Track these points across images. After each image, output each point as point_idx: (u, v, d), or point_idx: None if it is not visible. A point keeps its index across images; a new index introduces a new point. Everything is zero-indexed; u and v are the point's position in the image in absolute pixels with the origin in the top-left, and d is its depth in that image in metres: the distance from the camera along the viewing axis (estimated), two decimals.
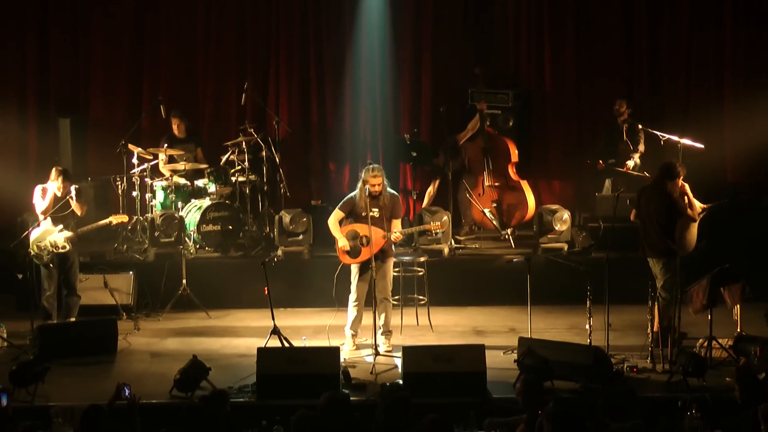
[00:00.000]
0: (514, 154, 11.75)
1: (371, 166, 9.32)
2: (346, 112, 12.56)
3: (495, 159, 11.70)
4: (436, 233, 10.14)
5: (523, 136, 12.17)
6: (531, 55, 12.50)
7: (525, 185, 11.75)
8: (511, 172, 11.74)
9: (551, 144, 12.54)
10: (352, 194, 9.33)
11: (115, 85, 12.61)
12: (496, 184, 11.67)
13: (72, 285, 10.01)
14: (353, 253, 9.28)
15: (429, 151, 11.99)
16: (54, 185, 9.72)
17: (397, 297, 9.95)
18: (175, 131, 11.90)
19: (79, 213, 9.85)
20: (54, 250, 9.80)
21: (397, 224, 9.31)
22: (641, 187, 9.54)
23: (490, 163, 11.67)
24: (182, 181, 11.58)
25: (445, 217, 10.20)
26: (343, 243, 9.25)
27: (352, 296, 9.39)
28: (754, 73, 12.24)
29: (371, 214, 9.19)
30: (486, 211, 11.33)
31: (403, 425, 6.50)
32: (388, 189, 9.30)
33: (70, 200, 9.70)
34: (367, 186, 9.13)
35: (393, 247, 9.51)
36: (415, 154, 11.81)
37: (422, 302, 10.27)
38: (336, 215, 9.33)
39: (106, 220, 10.13)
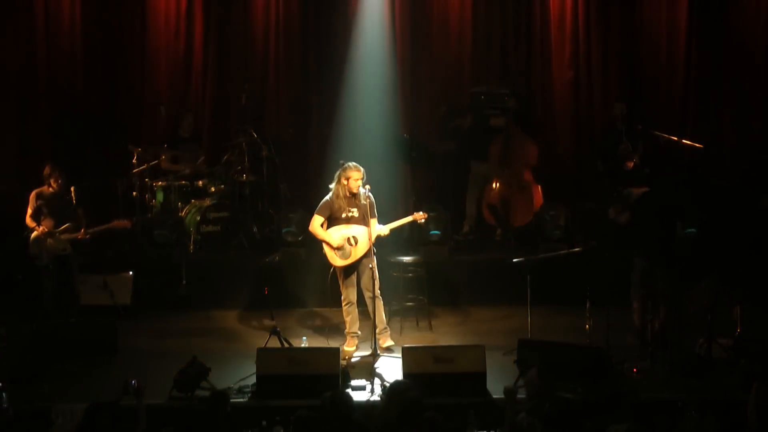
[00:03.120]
0: (534, 157, 11.73)
1: (350, 163, 9.29)
2: (346, 112, 12.55)
3: (514, 157, 11.67)
4: (421, 222, 9.96)
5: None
6: (531, 55, 12.50)
7: (537, 190, 11.73)
8: (527, 174, 11.71)
9: (551, 144, 12.53)
10: (327, 198, 9.28)
11: (114, 84, 12.59)
12: (506, 183, 11.64)
13: (72, 286, 10.01)
14: (344, 254, 9.27)
15: (428, 151, 11.99)
16: (49, 181, 9.71)
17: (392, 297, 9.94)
18: (184, 131, 11.88)
19: (81, 223, 9.87)
20: (54, 252, 9.80)
21: (374, 222, 9.31)
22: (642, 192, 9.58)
23: (506, 162, 11.65)
24: (182, 181, 11.56)
25: (422, 213, 9.99)
26: (338, 243, 9.22)
27: (344, 299, 9.39)
28: (754, 72, 12.24)
29: (350, 214, 9.21)
30: (492, 205, 11.36)
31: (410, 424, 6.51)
32: (361, 188, 9.27)
33: (72, 201, 9.71)
34: (349, 182, 9.12)
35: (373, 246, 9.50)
36: (414, 154, 11.80)
37: (422, 303, 10.26)
38: (317, 220, 9.27)
39: (109, 225, 10.12)
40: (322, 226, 9.29)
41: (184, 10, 12.52)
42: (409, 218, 9.56)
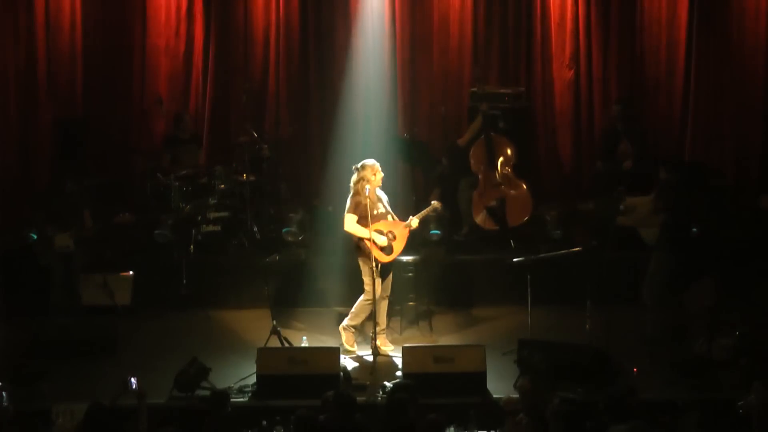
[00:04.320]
0: (514, 155, 11.71)
1: (369, 162, 9.30)
2: (346, 112, 12.54)
3: (497, 160, 11.65)
4: (439, 209, 9.97)
5: (522, 137, 12.14)
6: (531, 55, 12.50)
7: (525, 186, 11.69)
8: (512, 173, 11.69)
9: (551, 144, 12.53)
10: (355, 197, 9.27)
11: (114, 84, 12.59)
12: (498, 184, 11.61)
13: (74, 285, 10.03)
14: (387, 250, 9.27)
15: (428, 151, 11.98)
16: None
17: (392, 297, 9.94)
18: (182, 131, 11.86)
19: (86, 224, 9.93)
20: (59, 251, 9.83)
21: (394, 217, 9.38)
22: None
23: (493, 164, 11.63)
24: (183, 181, 11.54)
25: (437, 201, 10.02)
26: (381, 239, 9.21)
27: (368, 296, 9.29)
28: (754, 72, 12.24)
29: (379, 210, 9.26)
30: (484, 211, 11.34)
31: (406, 426, 6.52)
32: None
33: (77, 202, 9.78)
34: (376, 177, 9.15)
35: None
36: (413, 154, 11.79)
37: (422, 303, 10.25)
38: (353, 219, 9.17)
39: (113, 221, 10.14)
40: None
41: (184, 10, 12.51)
42: (429, 208, 9.60)
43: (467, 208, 11.71)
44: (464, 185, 11.70)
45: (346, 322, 9.46)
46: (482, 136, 11.62)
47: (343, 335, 9.45)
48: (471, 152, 11.65)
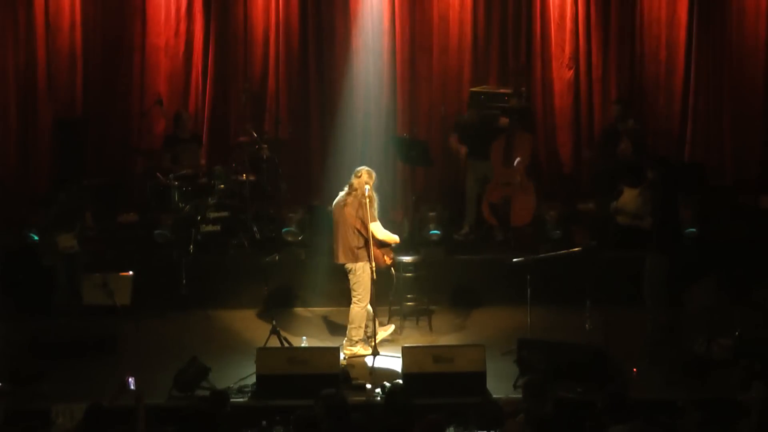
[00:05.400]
0: (530, 156, 11.68)
1: (366, 168, 9.32)
2: (346, 112, 12.55)
3: (513, 159, 11.62)
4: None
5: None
6: (531, 55, 12.50)
7: (533, 190, 11.67)
8: (524, 174, 11.66)
9: (550, 144, 12.54)
10: (372, 203, 9.18)
11: (114, 84, 12.60)
12: (508, 183, 11.59)
13: (75, 285, 10.03)
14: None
15: (428, 151, 11.98)
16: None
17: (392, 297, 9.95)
18: (182, 131, 11.86)
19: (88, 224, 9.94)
20: (62, 251, 9.84)
21: None
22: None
23: (509, 162, 11.60)
24: (183, 181, 11.55)
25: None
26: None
27: (362, 301, 9.24)
28: (754, 72, 12.24)
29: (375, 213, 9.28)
30: (493, 203, 11.36)
31: (405, 426, 6.52)
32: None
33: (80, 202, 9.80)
34: (372, 185, 9.16)
35: None
36: (413, 154, 11.80)
37: (422, 303, 10.25)
38: (379, 225, 9.23)
39: (116, 221, 10.16)
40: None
41: (183, 9, 12.51)
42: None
43: (471, 197, 11.69)
44: (471, 174, 11.68)
45: (354, 338, 9.29)
46: (506, 132, 11.59)
47: (355, 349, 9.28)
48: (492, 145, 11.64)
